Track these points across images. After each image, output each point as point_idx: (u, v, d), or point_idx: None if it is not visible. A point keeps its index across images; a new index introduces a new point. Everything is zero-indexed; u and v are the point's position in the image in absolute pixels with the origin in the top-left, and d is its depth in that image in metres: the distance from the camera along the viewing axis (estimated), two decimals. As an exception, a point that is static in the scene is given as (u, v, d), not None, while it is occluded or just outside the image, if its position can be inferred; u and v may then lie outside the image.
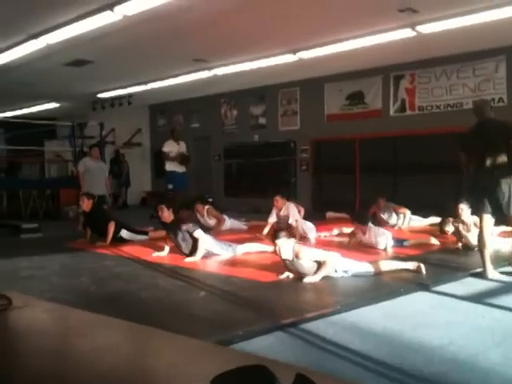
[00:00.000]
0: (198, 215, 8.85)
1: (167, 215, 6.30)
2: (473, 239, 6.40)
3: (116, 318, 2.73)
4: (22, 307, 2.74)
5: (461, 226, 6.60)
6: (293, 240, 4.85)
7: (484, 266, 5.15)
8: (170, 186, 10.47)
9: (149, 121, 17.10)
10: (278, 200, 7.88)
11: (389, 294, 4.42)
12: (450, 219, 7.27)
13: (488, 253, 5.16)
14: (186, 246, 6.17)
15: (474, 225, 6.43)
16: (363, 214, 6.88)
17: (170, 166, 10.57)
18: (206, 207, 9.01)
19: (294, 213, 7.72)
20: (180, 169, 10.55)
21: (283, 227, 5.27)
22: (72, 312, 3.08)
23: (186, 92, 13.94)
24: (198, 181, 14.35)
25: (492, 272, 5.14)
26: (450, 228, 7.29)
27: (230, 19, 7.87)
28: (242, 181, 14.12)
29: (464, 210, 6.49)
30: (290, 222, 7.44)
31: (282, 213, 7.80)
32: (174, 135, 10.76)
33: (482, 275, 5.13)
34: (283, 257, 4.82)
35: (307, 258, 4.78)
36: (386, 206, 8.98)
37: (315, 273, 4.82)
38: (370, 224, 6.71)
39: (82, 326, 2.66)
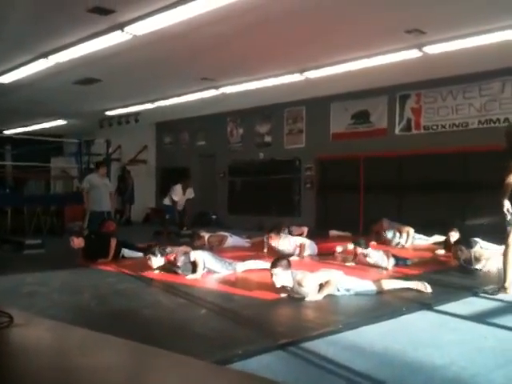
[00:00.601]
0: (199, 242, 8.61)
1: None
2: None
3: (118, 338, 2.71)
4: (24, 325, 2.73)
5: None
6: (290, 271, 4.82)
7: (505, 281, 5.12)
8: (168, 216, 10.94)
9: (155, 138, 17.21)
10: (273, 237, 7.58)
11: (391, 313, 4.38)
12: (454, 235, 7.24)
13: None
14: (186, 267, 6.15)
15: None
16: (363, 239, 6.86)
17: (168, 200, 11.03)
18: (207, 236, 8.79)
19: (294, 240, 7.63)
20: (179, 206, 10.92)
21: (283, 257, 5.33)
22: (73, 330, 3.05)
23: (193, 110, 14.06)
24: (202, 198, 14.37)
25: None
26: (453, 238, 7.26)
27: (239, 40, 7.97)
28: (246, 198, 14.13)
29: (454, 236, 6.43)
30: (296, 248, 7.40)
31: (280, 247, 7.54)
32: (183, 182, 11.05)
33: (498, 291, 5.09)
34: (277, 285, 4.80)
35: (310, 284, 4.76)
36: (390, 226, 8.95)
37: (318, 291, 4.79)
38: (370, 249, 6.67)
39: (83, 344, 2.64)
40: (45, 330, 2.89)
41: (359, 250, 6.61)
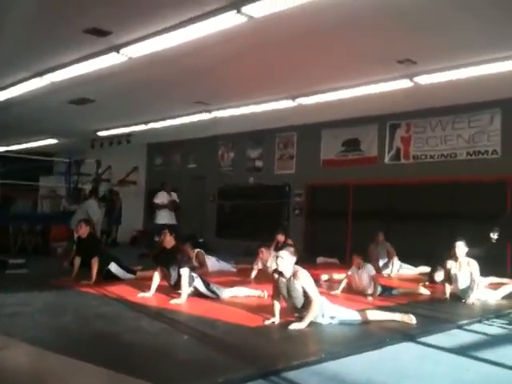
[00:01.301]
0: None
1: (169, 240, 6.28)
2: (461, 283, 6.37)
3: (95, 366, 2.67)
4: (2, 348, 2.69)
5: (453, 265, 6.52)
6: (294, 258, 4.84)
7: None
8: (157, 239, 10.60)
9: (146, 159, 17.21)
10: (264, 252, 7.73)
11: (374, 344, 4.34)
12: (440, 268, 7.24)
13: None
14: (174, 277, 6.12)
15: (467, 264, 6.40)
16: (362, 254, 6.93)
17: (159, 219, 10.69)
18: (196, 250, 8.89)
19: None
20: (170, 221, 10.59)
21: (291, 245, 5.34)
22: (51, 357, 3.01)
23: (185, 132, 14.11)
24: (190, 220, 14.31)
25: None
26: (439, 278, 7.27)
27: (232, 65, 8.07)
28: (235, 222, 14.10)
29: (460, 246, 6.45)
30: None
31: (268, 264, 7.58)
32: (165, 187, 10.89)
33: None
34: (280, 268, 4.79)
35: (303, 281, 4.74)
36: (383, 243, 9.00)
37: (302, 318, 4.76)
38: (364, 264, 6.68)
39: (61, 372, 2.60)
40: (23, 354, 2.85)
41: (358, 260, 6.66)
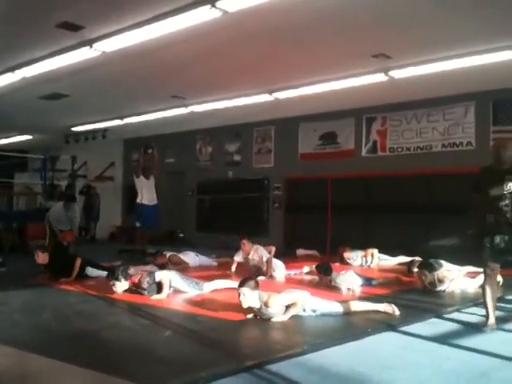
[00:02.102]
0: (161, 261, 8.43)
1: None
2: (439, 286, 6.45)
3: (74, 366, 2.63)
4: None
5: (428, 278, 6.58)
6: (257, 291, 4.79)
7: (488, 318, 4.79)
8: (138, 224, 10.47)
9: (122, 155, 17.02)
10: (245, 244, 7.73)
11: (356, 335, 4.39)
12: (418, 260, 7.33)
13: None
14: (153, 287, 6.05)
15: (438, 280, 6.44)
16: (327, 266, 6.90)
17: (139, 198, 10.52)
18: (169, 255, 8.77)
19: (263, 253, 7.66)
20: (150, 201, 10.46)
21: (251, 277, 5.30)
22: (30, 358, 2.97)
23: (162, 127, 13.99)
24: (170, 216, 14.23)
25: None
26: (415, 269, 7.36)
27: (209, 59, 8.01)
28: (215, 217, 14.06)
29: (427, 275, 6.46)
30: (263, 262, 7.45)
31: (250, 256, 7.67)
32: (144, 172, 10.73)
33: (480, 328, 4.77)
34: (244, 306, 4.77)
35: (277, 305, 4.75)
36: (353, 253, 9.08)
37: (284, 312, 4.78)
38: (334, 274, 6.71)
39: (40, 373, 2.56)
40: (1, 356, 2.80)
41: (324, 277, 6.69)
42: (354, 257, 8.98)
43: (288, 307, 4.80)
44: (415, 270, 7.09)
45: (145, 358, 3.68)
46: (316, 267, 7.00)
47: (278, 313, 4.77)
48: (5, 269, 8.30)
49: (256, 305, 4.75)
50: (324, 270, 6.77)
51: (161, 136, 15.16)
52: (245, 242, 7.75)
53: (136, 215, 10.84)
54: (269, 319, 4.74)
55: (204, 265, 8.87)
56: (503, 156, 4.69)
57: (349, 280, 6.54)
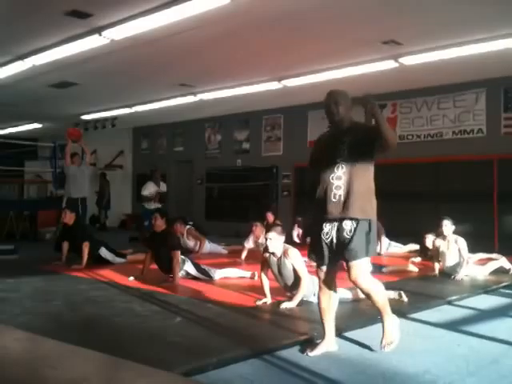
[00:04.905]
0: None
1: (160, 224, 6.24)
2: (450, 260, 6.47)
3: (86, 349, 2.65)
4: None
5: (441, 244, 6.60)
6: (283, 237, 4.90)
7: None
8: (147, 223, 10.56)
9: (132, 143, 17.06)
10: (258, 227, 7.84)
11: (365, 321, 4.39)
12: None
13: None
14: (164, 260, 6.11)
15: (455, 242, 6.49)
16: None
17: (148, 205, 10.65)
18: (187, 227, 8.92)
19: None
20: (155, 206, 10.54)
21: (278, 224, 5.40)
22: (43, 342, 2.99)
23: (171, 116, 14.00)
24: (178, 204, 14.28)
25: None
26: (429, 242, 7.39)
27: (218, 46, 7.97)
28: (224, 205, 14.10)
29: (447, 225, 6.53)
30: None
31: (261, 240, 7.74)
32: (155, 175, 10.82)
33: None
34: (270, 249, 4.84)
35: (293, 259, 4.80)
36: None
37: (292, 296, 4.82)
38: None
39: (52, 356, 2.59)
40: (13, 340, 2.82)
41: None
42: None
43: (295, 283, 4.85)
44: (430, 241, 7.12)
45: (156, 343, 3.71)
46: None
47: (287, 274, 4.84)
48: (16, 256, 8.40)
49: (278, 251, 4.83)
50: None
51: (169, 124, 15.18)
52: (258, 224, 7.92)
53: (142, 216, 10.92)
54: (278, 304, 4.76)
55: (214, 252, 8.91)
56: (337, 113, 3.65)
57: None
